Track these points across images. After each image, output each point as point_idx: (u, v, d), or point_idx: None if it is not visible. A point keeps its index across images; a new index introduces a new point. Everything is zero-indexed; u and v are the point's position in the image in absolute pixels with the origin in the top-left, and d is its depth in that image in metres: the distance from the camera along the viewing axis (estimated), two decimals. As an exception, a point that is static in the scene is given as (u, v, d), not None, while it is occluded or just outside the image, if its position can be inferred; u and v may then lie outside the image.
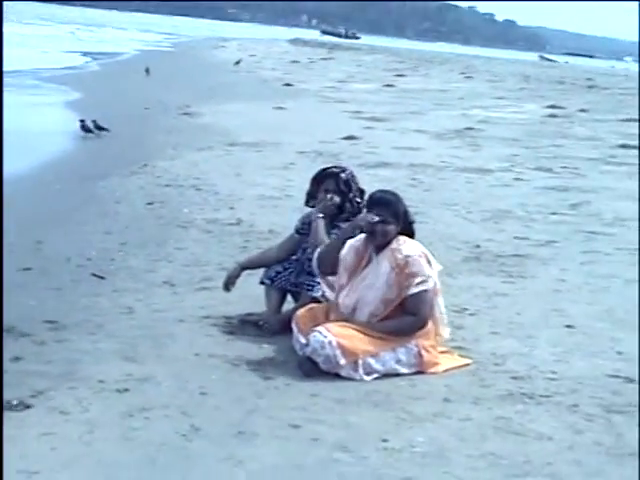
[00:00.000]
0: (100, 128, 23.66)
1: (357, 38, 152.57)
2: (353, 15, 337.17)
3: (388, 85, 47.67)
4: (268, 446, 7.14)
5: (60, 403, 7.71)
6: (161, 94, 35.37)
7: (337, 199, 9.63)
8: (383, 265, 8.79)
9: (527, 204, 17.27)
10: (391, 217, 8.80)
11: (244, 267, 10.41)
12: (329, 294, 9.46)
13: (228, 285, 10.29)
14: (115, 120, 25.16)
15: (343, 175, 10.10)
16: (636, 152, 25.50)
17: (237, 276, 10.29)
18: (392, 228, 8.79)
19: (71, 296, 10.69)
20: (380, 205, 8.90)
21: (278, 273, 10.19)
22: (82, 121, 23.77)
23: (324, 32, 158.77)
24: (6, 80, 39.04)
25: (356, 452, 7.09)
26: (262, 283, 10.31)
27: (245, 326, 9.88)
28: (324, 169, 10.44)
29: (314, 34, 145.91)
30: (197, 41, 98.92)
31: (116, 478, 6.57)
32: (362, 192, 10.03)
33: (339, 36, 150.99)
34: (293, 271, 10.17)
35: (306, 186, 10.49)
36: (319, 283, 9.77)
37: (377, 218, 8.75)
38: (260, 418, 7.64)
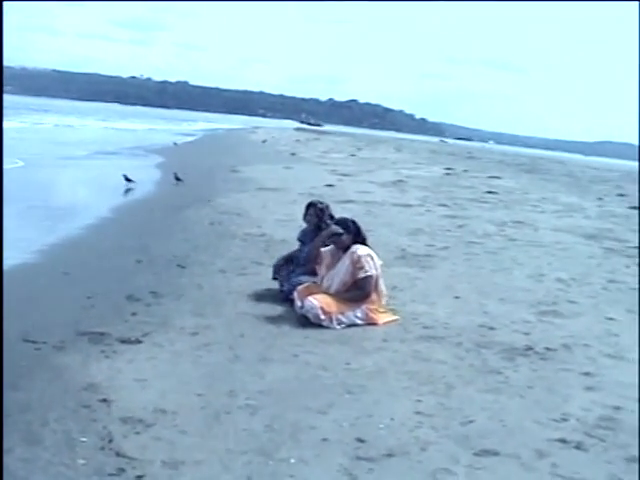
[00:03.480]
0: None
1: (320, 125, 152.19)
2: (332, 113, 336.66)
3: (352, 155, 47.65)
4: (279, 367, 7.35)
5: (158, 340, 7.88)
6: (218, 159, 35.36)
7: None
8: (345, 261, 9.12)
9: (433, 225, 17.42)
10: (345, 231, 9.26)
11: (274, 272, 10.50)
12: (315, 279, 9.60)
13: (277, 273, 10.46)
14: (192, 174, 25.16)
15: (319, 205, 10.65)
16: (496, 196, 25.78)
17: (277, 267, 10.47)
18: (345, 237, 9.26)
19: (165, 277, 10.77)
20: (339, 224, 9.39)
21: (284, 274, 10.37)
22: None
23: (302, 122, 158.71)
24: (128, 152, 39.25)
25: (331, 371, 7.30)
26: (274, 279, 10.45)
27: (266, 297, 9.97)
28: (310, 202, 10.88)
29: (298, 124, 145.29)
30: (240, 129, 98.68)
31: (190, 383, 6.73)
32: (332, 217, 10.38)
33: (309, 124, 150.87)
34: (291, 273, 10.30)
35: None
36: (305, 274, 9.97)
37: (338, 230, 9.25)
38: (275, 350, 7.83)
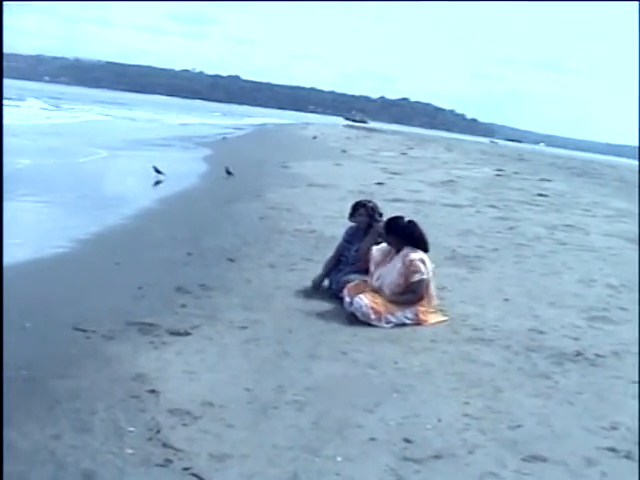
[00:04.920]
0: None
1: (365, 122, 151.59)
2: (383, 111, 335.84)
3: (403, 153, 47.47)
4: (328, 364, 7.34)
5: (207, 333, 7.90)
6: (268, 154, 35.39)
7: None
8: (397, 263, 9.07)
9: (483, 226, 17.26)
10: (391, 233, 9.35)
11: (323, 275, 10.44)
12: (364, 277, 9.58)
13: (315, 286, 10.29)
14: (242, 168, 25.22)
15: (369, 205, 10.59)
16: (547, 199, 25.53)
17: (320, 282, 10.34)
18: (392, 239, 9.32)
19: (215, 270, 10.82)
20: (391, 223, 9.45)
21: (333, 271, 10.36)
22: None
23: (346, 118, 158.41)
24: (177, 143, 39.52)
25: (379, 369, 7.28)
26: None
27: (315, 292, 9.98)
28: (358, 201, 10.89)
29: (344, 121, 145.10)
30: (290, 125, 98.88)
31: (238, 377, 6.76)
32: (381, 215, 10.35)
33: (354, 120, 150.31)
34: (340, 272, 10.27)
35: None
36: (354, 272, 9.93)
37: (382, 231, 9.45)
38: (323, 347, 7.81)
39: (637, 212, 24.16)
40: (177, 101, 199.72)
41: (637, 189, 34.26)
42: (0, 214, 11.07)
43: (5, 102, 74.33)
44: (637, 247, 16.11)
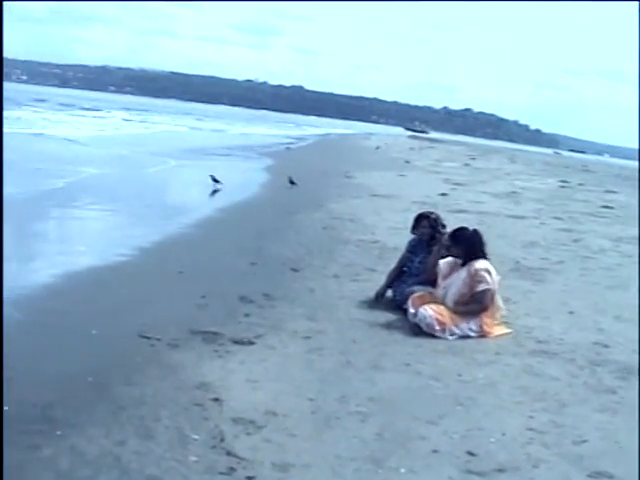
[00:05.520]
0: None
1: (426, 133, 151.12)
2: (445, 122, 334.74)
3: (466, 164, 47.20)
4: (391, 375, 7.33)
5: (271, 343, 7.93)
6: (331, 164, 35.52)
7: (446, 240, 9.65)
8: (462, 273, 9.01)
9: (547, 238, 17.11)
10: (456, 244, 9.26)
11: (386, 286, 10.41)
12: (429, 290, 9.53)
13: (378, 297, 10.26)
14: (305, 178, 25.29)
15: (432, 216, 10.55)
16: (612, 211, 25.24)
17: (383, 293, 10.30)
18: (457, 250, 9.21)
19: (278, 280, 10.86)
20: (456, 235, 9.36)
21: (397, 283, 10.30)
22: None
23: (407, 128, 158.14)
24: (240, 153, 39.81)
25: (442, 381, 7.23)
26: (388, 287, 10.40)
27: (379, 303, 9.96)
28: (421, 213, 10.86)
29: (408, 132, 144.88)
30: (353, 135, 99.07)
31: (302, 387, 6.77)
32: (444, 226, 10.31)
33: (415, 131, 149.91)
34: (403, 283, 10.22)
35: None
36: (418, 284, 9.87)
37: (447, 243, 9.34)
38: (386, 358, 7.79)
39: None
40: (240, 111, 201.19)
41: None
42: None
43: (86, 113, 76.76)
44: None
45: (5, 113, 59.32)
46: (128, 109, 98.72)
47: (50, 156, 28.74)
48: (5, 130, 38.89)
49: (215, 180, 22.56)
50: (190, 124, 79.00)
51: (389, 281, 10.38)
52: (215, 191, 22.04)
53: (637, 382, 7.57)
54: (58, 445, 5.35)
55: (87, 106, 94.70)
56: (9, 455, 5.16)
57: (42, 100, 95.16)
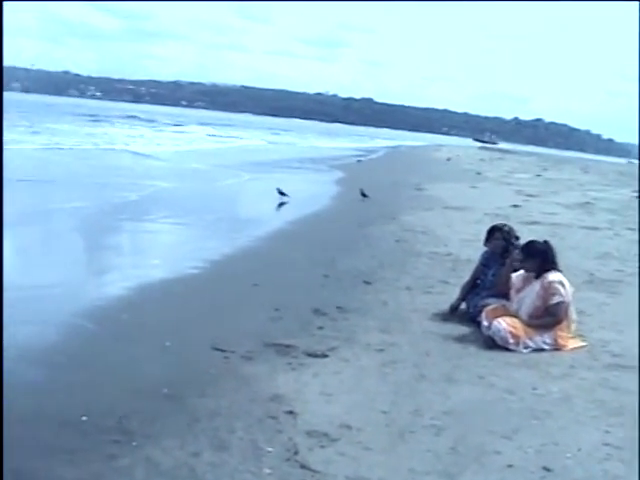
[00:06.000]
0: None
1: (495, 143, 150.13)
2: (516, 132, 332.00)
3: (538, 175, 46.73)
4: (465, 388, 7.29)
5: (344, 355, 7.95)
6: (402, 176, 35.48)
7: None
8: (536, 286, 8.93)
9: (621, 249, 16.83)
10: (530, 256, 9.15)
11: (460, 299, 10.37)
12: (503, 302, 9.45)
13: (453, 310, 10.21)
14: (377, 191, 25.29)
15: (505, 228, 10.51)
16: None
17: (458, 306, 10.25)
18: (530, 264, 9.13)
19: (351, 292, 10.88)
20: (528, 248, 9.28)
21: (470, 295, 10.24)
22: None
23: (475, 139, 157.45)
24: (311, 165, 40.00)
25: (517, 394, 7.16)
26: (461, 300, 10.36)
27: (452, 315, 9.91)
28: (494, 225, 10.82)
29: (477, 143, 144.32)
30: (424, 146, 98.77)
31: (376, 400, 6.75)
32: (517, 238, 10.24)
33: (483, 142, 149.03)
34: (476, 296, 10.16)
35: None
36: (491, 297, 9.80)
37: (521, 256, 9.23)
38: (460, 371, 7.75)
39: None
40: (311, 124, 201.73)
41: None
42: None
43: (169, 129, 78.52)
44: None
45: (91, 129, 61.06)
46: (209, 124, 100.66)
47: (127, 171, 29.41)
48: (90, 147, 40.01)
49: (281, 193, 22.74)
50: (267, 138, 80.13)
51: (463, 294, 10.35)
52: (282, 204, 22.20)
53: None
54: (134, 456, 5.43)
55: (167, 121, 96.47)
56: (87, 465, 5.26)
57: (131, 117, 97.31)
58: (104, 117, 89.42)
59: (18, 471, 5.15)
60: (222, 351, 7.78)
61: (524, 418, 6.54)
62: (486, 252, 10.61)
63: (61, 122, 66.83)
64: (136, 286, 10.57)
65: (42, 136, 45.57)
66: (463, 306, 10.17)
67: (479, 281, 10.39)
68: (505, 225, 10.71)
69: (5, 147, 34.48)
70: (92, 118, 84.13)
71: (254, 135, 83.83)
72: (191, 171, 32.03)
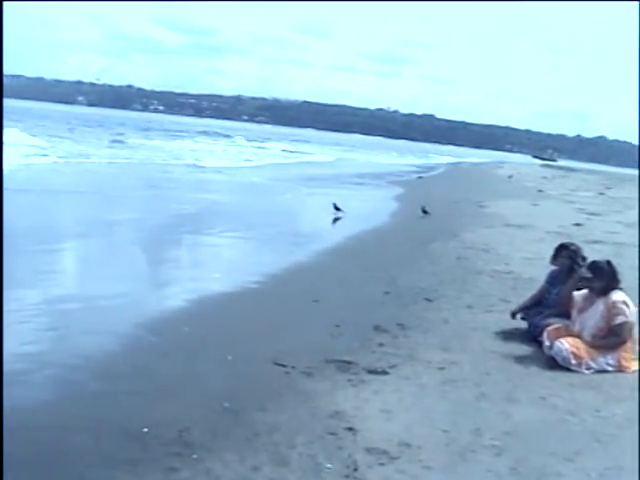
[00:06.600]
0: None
1: (555, 160, 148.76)
2: (578, 150, 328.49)
3: (600, 193, 46.18)
4: (526, 408, 7.22)
5: (405, 373, 7.93)
6: (464, 193, 35.32)
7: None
8: (599, 306, 8.80)
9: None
10: (596, 276, 8.96)
11: (522, 308, 10.34)
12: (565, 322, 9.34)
13: (515, 315, 10.27)
14: (437, 207, 25.21)
15: (572, 247, 10.45)
16: None
17: (519, 311, 10.27)
18: (597, 284, 8.95)
19: (412, 309, 10.85)
20: (592, 268, 9.12)
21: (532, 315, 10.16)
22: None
23: (535, 156, 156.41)
24: (371, 181, 40.03)
25: (579, 416, 7.10)
26: (522, 318, 10.28)
27: (513, 335, 9.83)
28: (562, 243, 10.77)
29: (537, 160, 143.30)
30: (485, 163, 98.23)
31: (436, 418, 6.72)
32: (584, 259, 10.11)
33: (542, 159, 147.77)
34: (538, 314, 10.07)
35: (551, 253, 10.60)
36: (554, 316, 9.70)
37: (587, 275, 9.04)
38: (521, 391, 7.69)
39: None
40: (372, 140, 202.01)
41: None
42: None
43: (246, 143, 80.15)
44: None
45: (161, 143, 62.22)
46: (285, 140, 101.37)
47: (192, 185, 29.73)
48: (160, 161, 40.68)
49: (337, 208, 22.80)
50: (335, 154, 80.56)
51: (528, 304, 10.39)
52: (337, 219, 22.26)
53: None
54: (195, 468, 5.48)
55: (241, 135, 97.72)
56: (148, 477, 5.33)
57: (204, 132, 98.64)
58: (179, 132, 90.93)
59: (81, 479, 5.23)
60: (283, 366, 7.81)
61: (587, 440, 6.47)
62: (553, 271, 10.54)
63: (136, 136, 68.99)
64: (197, 299, 10.67)
65: (131, 151, 48.21)
66: (524, 325, 10.09)
67: (543, 299, 10.32)
68: (573, 244, 10.64)
69: (83, 161, 35.92)
70: (168, 133, 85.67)
71: (324, 151, 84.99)
72: (254, 185, 32.49)
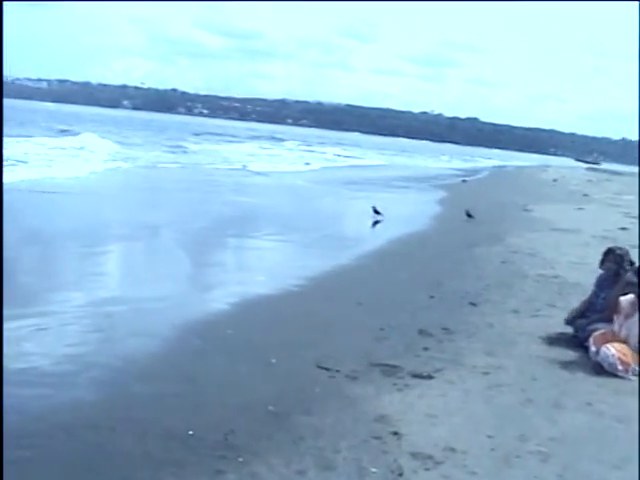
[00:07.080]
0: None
1: (598, 164, 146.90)
2: (624, 153, 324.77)
3: (647, 197, 45.81)
4: (572, 414, 7.16)
5: (449, 377, 7.89)
6: (508, 197, 35.15)
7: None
8: (646, 312, 8.67)
9: None
10: None
11: (575, 315, 10.23)
12: (613, 327, 9.24)
13: (569, 323, 10.14)
14: (482, 211, 25.10)
15: (618, 251, 10.29)
16: None
17: (574, 318, 10.09)
18: None
19: (457, 314, 10.80)
20: (637, 273, 9.08)
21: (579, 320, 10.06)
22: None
23: (577, 159, 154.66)
24: (415, 184, 40.01)
25: (626, 423, 7.01)
26: (568, 323, 10.16)
27: (559, 340, 9.75)
28: (610, 247, 10.62)
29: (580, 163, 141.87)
30: (530, 167, 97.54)
31: (481, 423, 6.69)
32: (631, 263, 10.03)
33: (585, 162, 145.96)
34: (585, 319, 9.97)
35: (598, 257, 10.51)
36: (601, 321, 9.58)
37: (633, 280, 9.04)
38: (567, 396, 7.62)
39: None
40: (416, 143, 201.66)
41: None
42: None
43: (300, 147, 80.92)
44: None
45: (219, 147, 63.06)
46: (338, 144, 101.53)
47: (236, 188, 29.76)
48: (210, 166, 41.28)
49: (376, 212, 22.75)
50: (386, 158, 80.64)
51: (580, 309, 10.28)
52: (376, 222, 22.23)
53: None
54: (240, 472, 5.50)
55: (294, 140, 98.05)
56: (194, 479, 5.32)
57: (255, 137, 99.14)
58: (230, 136, 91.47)
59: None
60: (327, 370, 7.81)
61: (634, 448, 6.38)
62: (602, 275, 10.43)
63: (191, 140, 70.44)
64: (241, 302, 10.71)
65: (194, 155, 49.89)
66: (570, 330, 10.00)
67: (591, 304, 10.20)
68: (620, 248, 10.50)
69: (163, 165, 37.09)
70: (223, 138, 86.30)
71: (374, 155, 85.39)
72: (299, 189, 32.69)
